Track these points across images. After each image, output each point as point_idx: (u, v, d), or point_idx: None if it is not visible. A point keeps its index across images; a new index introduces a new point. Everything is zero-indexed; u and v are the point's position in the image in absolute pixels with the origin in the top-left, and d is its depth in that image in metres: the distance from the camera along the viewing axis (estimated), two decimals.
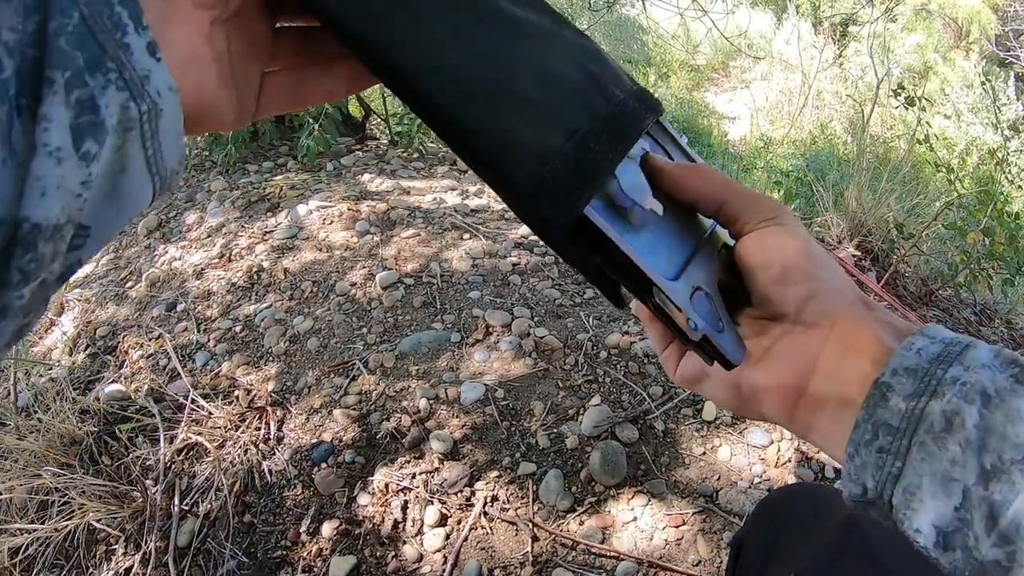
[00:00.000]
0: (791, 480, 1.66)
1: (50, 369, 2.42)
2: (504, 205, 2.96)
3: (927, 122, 3.59)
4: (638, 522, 1.58)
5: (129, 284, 2.87)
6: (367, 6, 0.39)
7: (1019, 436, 0.37)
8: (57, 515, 1.81)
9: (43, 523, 1.81)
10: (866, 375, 0.43)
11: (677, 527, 1.57)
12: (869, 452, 0.41)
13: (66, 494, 1.82)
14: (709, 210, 0.51)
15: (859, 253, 3.21)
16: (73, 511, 1.79)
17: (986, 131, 7.32)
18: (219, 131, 0.48)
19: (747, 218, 0.49)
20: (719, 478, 1.66)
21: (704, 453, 1.72)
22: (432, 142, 4.07)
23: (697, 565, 1.50)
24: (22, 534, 1.79)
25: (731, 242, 0.51)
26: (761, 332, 0.50)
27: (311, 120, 3.48)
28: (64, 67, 0.30)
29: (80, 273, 3.11)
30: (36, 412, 2.09)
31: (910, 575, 0.74)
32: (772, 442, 1.73)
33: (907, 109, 3.49)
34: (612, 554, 1.53)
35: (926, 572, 0.73)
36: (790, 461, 1.70)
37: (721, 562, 1.49)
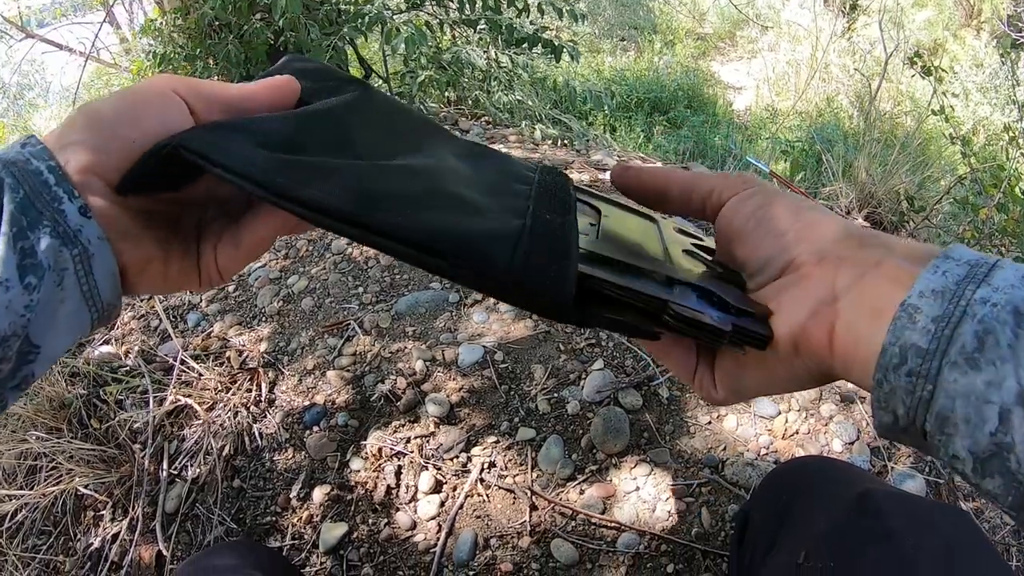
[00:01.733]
0: (799, 452, 1.61)
1: None
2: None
3: (943, 92, 3.51)
4: (640, 492, 1.53)
5: None
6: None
7: None
8: (45, 480, 1.78)
9: (31, 489, 1.78)
10: (890, 296, 0.41)
11: (681, 498, 1.51)
12: (898, 376, 0.39)
13: (54, 459, 1.79)
14: (680, 198, 0.55)
15: (868, 224, 3.15)
16: (61, 476, 1.77)
17: (994, 111, 7.26)
18: (187, 289, 0.57)
19: (720, 193, 0.52)
20: (725, 448, 1.60)
21: (710, 422, 1.66)
22: (434, 102, 4.01)
23: (701, 537, 1.44)
24: (9, 500, 1.76)
25: (689, 243, 0.55)
26: (768, 299, 0.49)
27: None
28: (13, 224, 0.42)
29: None
30: None
31: (924, 549, 0.71)
32: (780, 413, 1.68)
33: (923, 78, 3.42)
34: (613, 525, 1.47)
35: (941, 547, 0.71)
36: (798, 433, 1.64)
37: (726, 535, 1.44)
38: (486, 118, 3.85)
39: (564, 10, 3.62)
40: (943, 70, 3.49)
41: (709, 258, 0.55)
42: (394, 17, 3.48)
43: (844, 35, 8.86)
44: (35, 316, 0.42)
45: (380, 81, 4.43)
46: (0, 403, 0.44)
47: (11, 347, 0.41)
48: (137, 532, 1.66)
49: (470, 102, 3.86)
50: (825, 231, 0.47)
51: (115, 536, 1.67)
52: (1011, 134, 3.63)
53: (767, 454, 1.58)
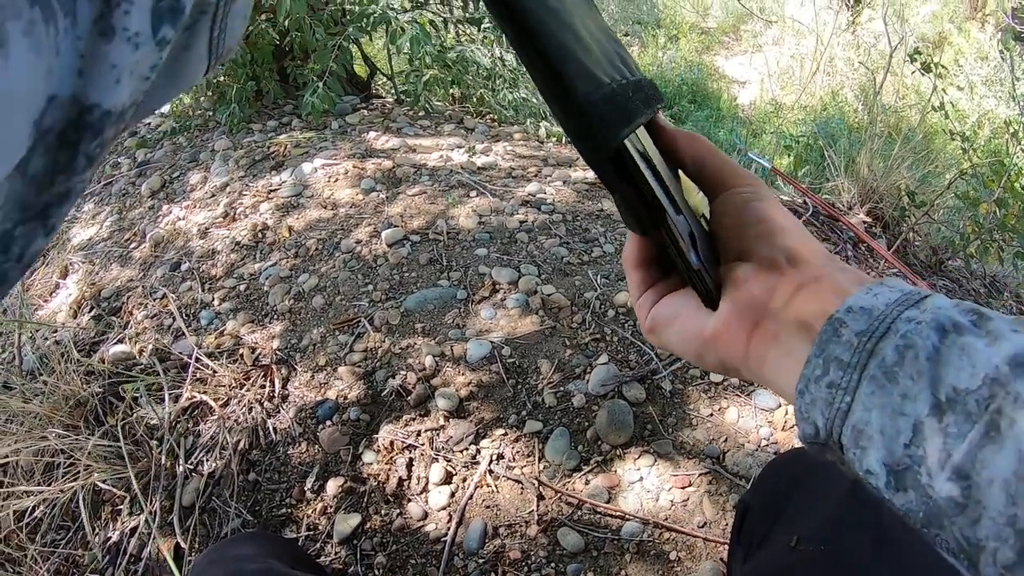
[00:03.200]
0: (799, 444, 1.64)
1: (55, 332, 2.41)
2: (512, 163, 2.94)
3: (943, 89, 3.53)
4: (644, 482, 1.57)
5: (133, 245, 2.86)
6: None
7: (976, 367, 0.35)
8: (63, 476, 1.82)
9: (49, 485, 1.81)
10: (821, 312, 0.43)
11: (683, 488, 1.55)
12: (819, 388, 0.40)
13: (72, 455, 1.82)
14: (693, 170, 0.56)
15: (869, 219, 3.17)
16: (79, 472, 1.80)
17: (999, 104, 7.25)
18: None
19: (727, 182, 0.54)
20: (726, 440, 1.64)
21: (711, 414, 1.70)
22: (439, 100, 4.03)
23: (703, 527, 1.48)
24: (28, 496, 1.79)
25: (708, 213, 0.56)
26: (725, 273, 0.51)
27: (316, 79, 3.44)
28: None
29: (84, 235, 3.10)
30: (41, 375, 2.08)
31: (915, 542, 0.73)
32: (780, 405, 1.71)
33: (923, 75, 3.44)
34: (618, 514, 1.51)
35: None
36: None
37: (727, 524, 1.48)
38: (491, 116, 3.87)
39: None
40: (943, 67, 3.51)
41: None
42: (398, 16, 3.51)
43: (848, 29, 8.86)
44: (156, 76, 0.32)
45: (385, 80, 4.46)
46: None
47: (126, 119, 0.31)
48: (155, 525, 1.69)
49: (475, 100, 3.88)
50: (804, 241, 0.49)
51: (133, 530, 1.71)
52: (1012, 129, 3.65)
53: (767, 445, 1.62)
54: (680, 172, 0.57)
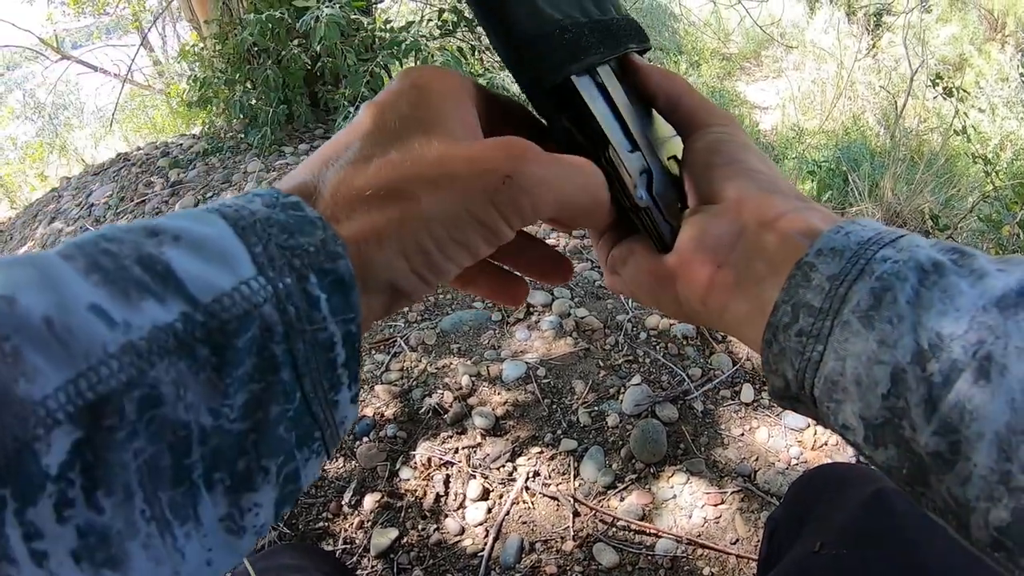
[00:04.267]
0: (827, 461, 1.67)
1: None
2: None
3: (964, 113, 3.56)
4: (677, 500, 1.60)
5: None
6: None
7: (960, 310, 0.32)
8: None
9: None
10: (788, 254, 0.38)
11: (716, 505, 1.58)
12: (788, 336, 0.37)
13: None
14: (667, 107, 0.51)
15: None
16: None
17: (1021, 126, 7.23)
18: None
19: (699, 121, 0.49)
20: (757, 459, 1.67)
21: (742, 434, 1.73)
22: None
23: (735, 543, 1.51)
24: None
25: (679, 154, 0.52)
26: (688, 213, 0.47)
27: (347, 103, 3.50)
28: (279, 453, 0.30)
29: None
30: None
31: (935, 547, 0.73)
32: (809, 425, 1.74)
33: (945, 99, 3.47)
34: (652, 531, 1.54)
35: (952, 545, 0.74)
36: (827, 444, 1.70)
37: (758, 540, 1.50)
38: None
39: None
40: (964, 91, 3.54)
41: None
42: (428, 44, 3.57)
43: (869, 53, 8.88)
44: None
45: None
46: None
47: None
48: None
49: None
50: (776, 183, 0.45)
51: None
52: None
53: (797, 464, 1.65)
54: (655, 112, 0.54)
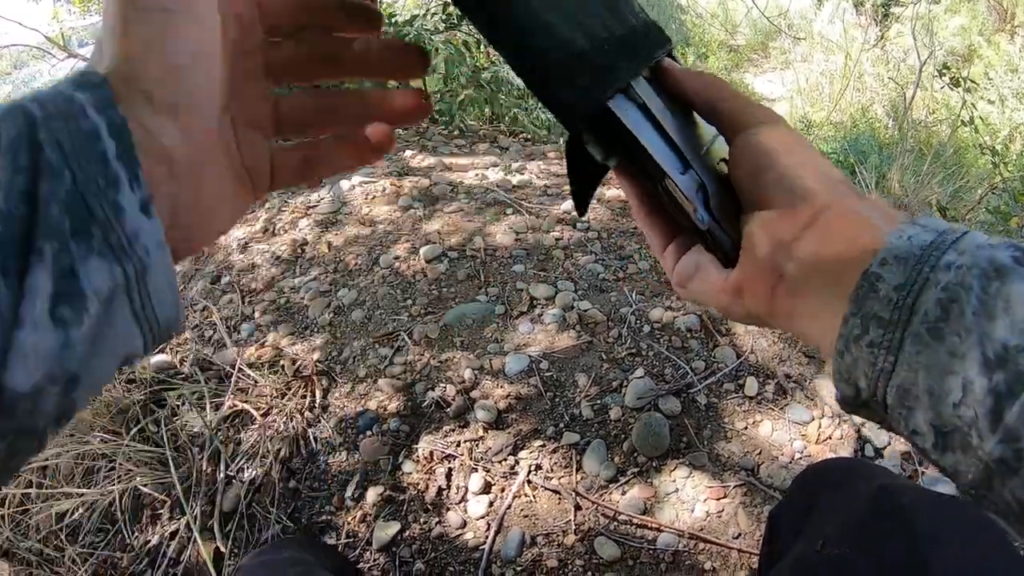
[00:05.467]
0: (831, 457, 1.66)
1: None
2: (546, 181, 2.98)
3: (972, 104, 3.53)
4: (680, 494, 1.59)
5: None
6: None
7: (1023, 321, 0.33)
8: (103, 480, 1.85)
9: (89, 488, 1.85)
10: (854, 259, 0.40)
11: (718, 499, 1.57)
12: (860, 348, 0.38)
13: (113, 460, 1.85)
14: (707, 110, 0.52)
15: None
16: (119, 476, 1.83)
17: None
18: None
19: (741, 122, 0.50)
20: (760, 452, 1.66)
21: (746, 428, 1.72)
22: (472, 120, 4.07)
23: (737, 538, 1.50)
24: (68, 498, 1.83)
25: (727, 155, 0.52)
26: (744, 223, 0.48)
27: None
28: (53, 237, 0.31)
29: None
30: None
31: (941, 541, 0.73)
32: (813, 419, 1.73)
33: (952, 90, 3.44)
34: (654, 525, 1.54)
35: (959, 537, 0.74)
36: (830, 438, 1.69)
37: (761, 535, 1.49)
38: (524, 135, 3.91)
39: None
40: (973, 82, 3.51)
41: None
42: (432, 38, 3.56)
43: (877, 44, 8.83)
44: (72, 353, 0.32)
45: None
46: (39, 443, 0.33)
47: (47, 394, 0.31)
48: (196, 530, 1.73)
49: (508, 120, 3.91)
50: (831, 175, 0.46)
51: (173, 533, 1.75)
52: None
53: (800, 458, 1.64)
54: (695, 115, 0.54)
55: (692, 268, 0.52)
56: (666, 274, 0.57)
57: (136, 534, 1.80)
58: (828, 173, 0.45)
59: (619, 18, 0.49)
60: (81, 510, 1.83)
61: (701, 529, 1.52)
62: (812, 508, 0.93)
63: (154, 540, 1.77)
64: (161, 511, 1.80)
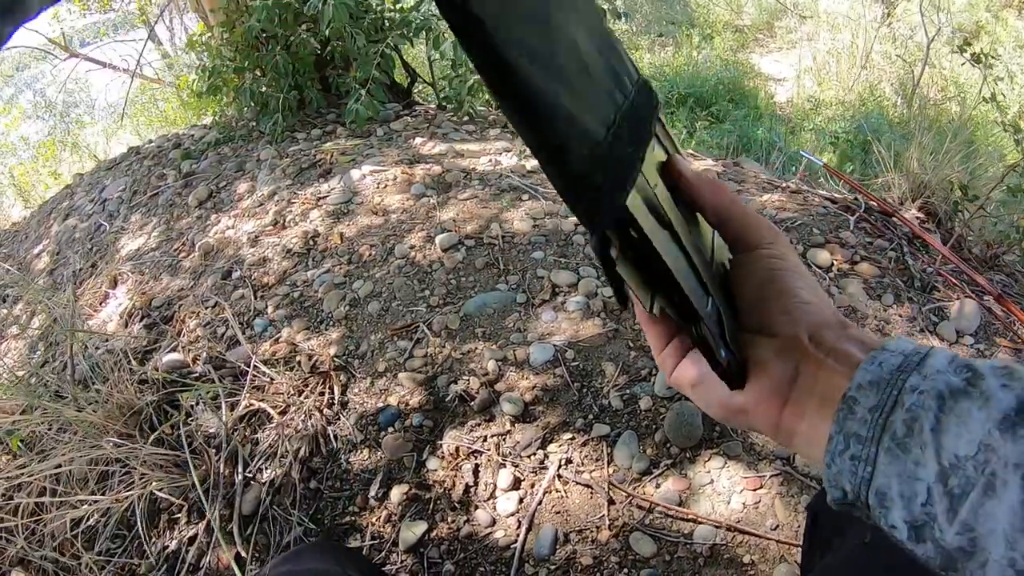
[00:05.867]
0: None
1: (107, 341, 2.42)
2: None
3: (995, 79, 3.46)
4: (715, 485, 1.54)
5: (182, 255, 2.88)
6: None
7: (971, 433, 0.41)
8: (119, 485, 1.81)
9: (104, 494, 1.81)
10: (836, 388, 0.48)
11: (754, 490, 1.52)
12: (843, 460, 0.46)
13: (127, 464, 1.82)
14: (714, 222, 0.59)
15: (922, 215, 3.11)
16: (134, 481, 1.79)
17: None
18: None
19: (749, 239, 0.58)
20: None
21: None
22: (482, 105, 4.01)
23: (775, 529, 1.45)
24: (83, 505, 1.79)
25: (727, 259, 0.59)
26: (748, 345, 0.55)
27: (358, 86, 3.44)
28: None
29: (132, 246, 3.13)
30: (94, 384, 2.09)
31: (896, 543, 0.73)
32: None
33: (973, 66, 3.37)
34: (690, 517, 1.49)
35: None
36: None
37: (799, 526, 1.45)
38: None
39: (606, 9, 3.63)
40: (994, 57, 3.44)
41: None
42: (440, 22, 3.50)
43: (884, 22, 8.75)
44: None
45: (425, 86, 4.45)
46: None
47: None
48: (215, 534, 1.68)
49: None
50: (824, 316, 0.53)
51: (192, 538, 1.71)
52: None
53: None
54: (698, 216, 0.58)
55: (695, 378, 0.58)
56: (660, 369, 0.64)
57: (154, 540, 1.76)
58: (824, 309, 0.54)
59: (620, 85, 0.49)
60: (96, 516, 1.80)
61: (738, 521, 1.47)
62: None
63: (172, 546, 1.73)
64: (179, 515, 1.75)
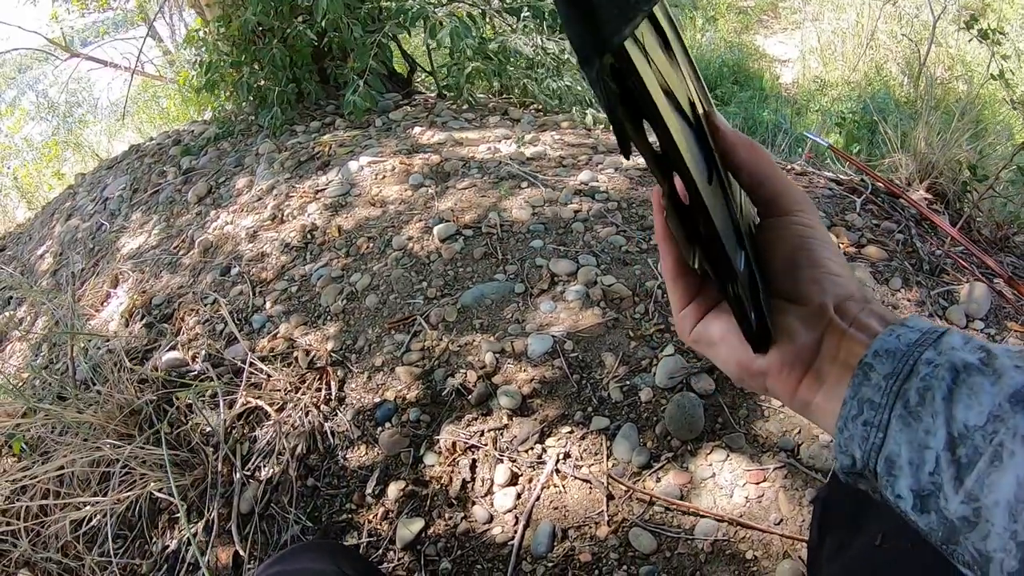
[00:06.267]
0: None
1: (107, 341, 2.41)
2: (561, 152, 2.88)
3: (1003, 56, 3.40)
4: (717, 478, 1.51)
5: (182, 252, 2.86)
6: None
7: (982, 405, 0.41)
8: (119, 485, 1.80)
9: (105, 495, 1.80)
10: (856, 356, 0.48)
11: (758, 483, 1.49)
12: (855, 425, 0.46)
13: (127, 464, 1.80)
14: (748, 183, 0.59)
15: (930, 196, 3.06)
16: (135, 481, 1.78)
17: None
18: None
19: (781, 204, 0.58)
20: (800, 431, 1.57)
21: (783, 406, 1.62)
22: (481, 93, 3.98)
23: (779, 523, 1.41)
24: (85, 506, 1.78)
25: (757, 220, 0.60)
26: (777, 311, 0.55)
27: (356, 77, 3.41)
28: None
29: (133, 244, 3.11)
30: (95, 384, 2.08)
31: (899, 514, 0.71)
32: None
33: (980, 43, 3.32)
34: (691, 512, 1.45)
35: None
36: None
37: (803, 520, 1.41)
38: (535, 106, 3.82)
39: None
40: (1002, 33, 3.38)
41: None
42: (436, 11, 3.47)
43: (889, 0, 8.67)
44: None
45: (425, 75, 4.42)
46: None
47: None
48: (213, 533, 1.67)
49: (518, 91, 3.82)
50: (849, 289, 0.54)
51: (192, 538, 1.69)
52: None
53: None
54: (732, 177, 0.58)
55: (716, 337, 0.58)
56: (675, 327, 0.65)
57: (155, 539, 1.75)
58: (850, 281, 0.55)
59: None
60: (99, 517, 1.79)
61: (741, 515, 1.44)
62: (863, 498, 0.88)
63: (172, 545, 1.72)
64: (179, 515, 1.74)
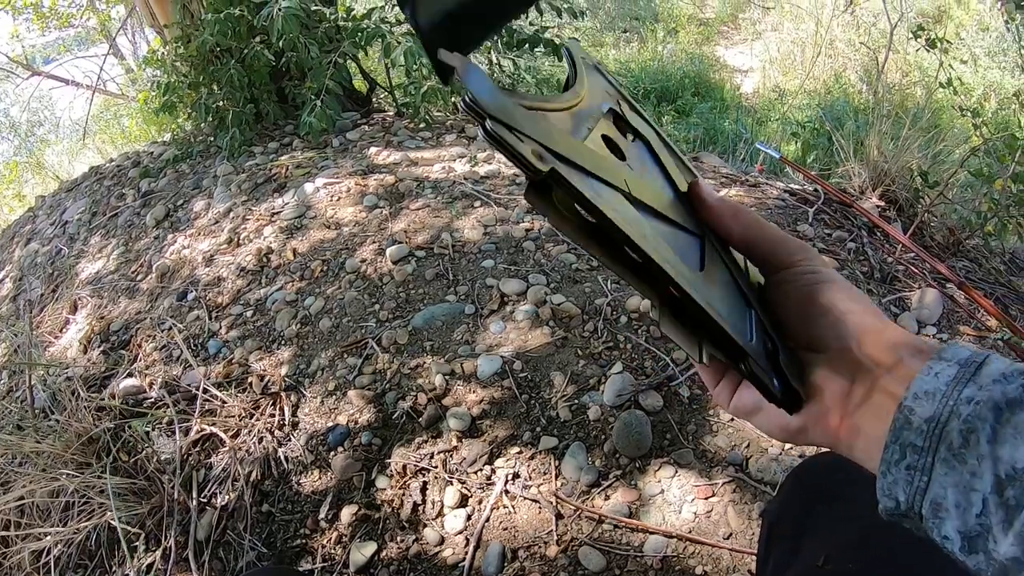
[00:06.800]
0: (823, 450, 1.59)
1: (66, 369, 2.39)
2: (515, 170, 2.90)
3: (950, 64, 3.46)
4: (665, 494, 1.52)
5: (140, 277, 2.85)
6: None
7: None
8: (78, 515, 1.79)
9: (65, 524, 1.78)
10: (894, 398, 0.48)
11: (706, 499, 1.51)
12: (899, 470, 0.46)
13: (86, 494, 1.79)
14: (743, 246, 0.59)
15: (883, 203, 3.11)
16: (93, 510, 1.77)
17: (1003, 75, 7.15)
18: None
19: (778, 259, 0.58)
20: (748, 445, 1.59)
21: (732, 419, 1.65)
22: (439, 111, 3.99)
23: (728, 538, 1.43)
24: (45, 537, 1.77)
25: (760, 281, 0.59)
26: (803, 364, 0.55)
27: (313, 97, 3.41)
28: None
29: (92, 269, 3.09)
30: (53, 413, 2.07)
31: (944, 563, 0.71)
32: None
33: (928, 51, 3.37)
34: (640, 529, 1.47)
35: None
36: None
37: (753, 534, 1.43)
38: None
39: (562, 8, 3.61)
40: (947, 41, 3.44)
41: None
42: (392, 30, 3.48)
43: (847, 9, 8.78)
44: None
45: (386, 93, 4.42)
46: None
47: None
48: (171, 562, 1.66)
49: None
50: (866, 324, 0.53)
51: (149, 566, 1.68)
52: (1021, 99, 3.58)
53: (791, 449, 1.58)
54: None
55: (751, 407, 0.58)
56: (716, 401, 0.66)
57: (114, 569, 1.74)
58: (866, 313, 0.54)
59: None
60: (59, 547, 1.77)
61: (690, 531, 1.46)
62: (811, 511, 0.92)
63: (131, 574, 1.70)
64: (136, 544, 1.73)
